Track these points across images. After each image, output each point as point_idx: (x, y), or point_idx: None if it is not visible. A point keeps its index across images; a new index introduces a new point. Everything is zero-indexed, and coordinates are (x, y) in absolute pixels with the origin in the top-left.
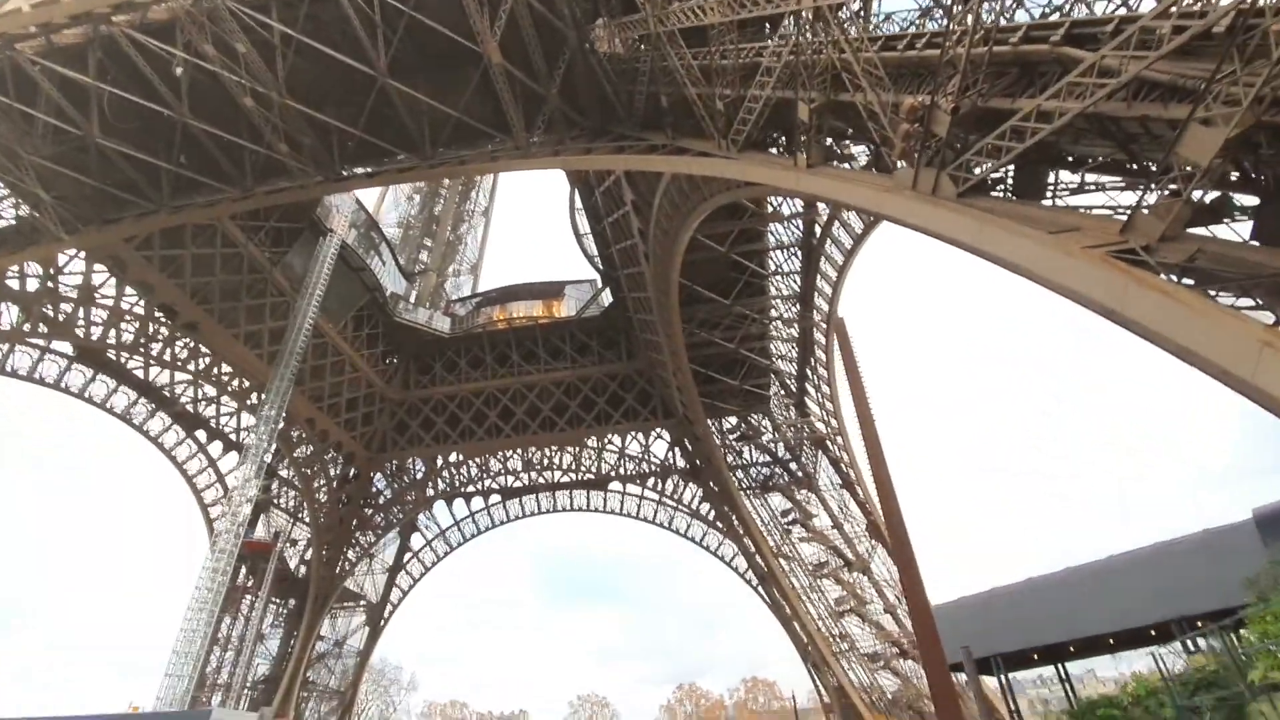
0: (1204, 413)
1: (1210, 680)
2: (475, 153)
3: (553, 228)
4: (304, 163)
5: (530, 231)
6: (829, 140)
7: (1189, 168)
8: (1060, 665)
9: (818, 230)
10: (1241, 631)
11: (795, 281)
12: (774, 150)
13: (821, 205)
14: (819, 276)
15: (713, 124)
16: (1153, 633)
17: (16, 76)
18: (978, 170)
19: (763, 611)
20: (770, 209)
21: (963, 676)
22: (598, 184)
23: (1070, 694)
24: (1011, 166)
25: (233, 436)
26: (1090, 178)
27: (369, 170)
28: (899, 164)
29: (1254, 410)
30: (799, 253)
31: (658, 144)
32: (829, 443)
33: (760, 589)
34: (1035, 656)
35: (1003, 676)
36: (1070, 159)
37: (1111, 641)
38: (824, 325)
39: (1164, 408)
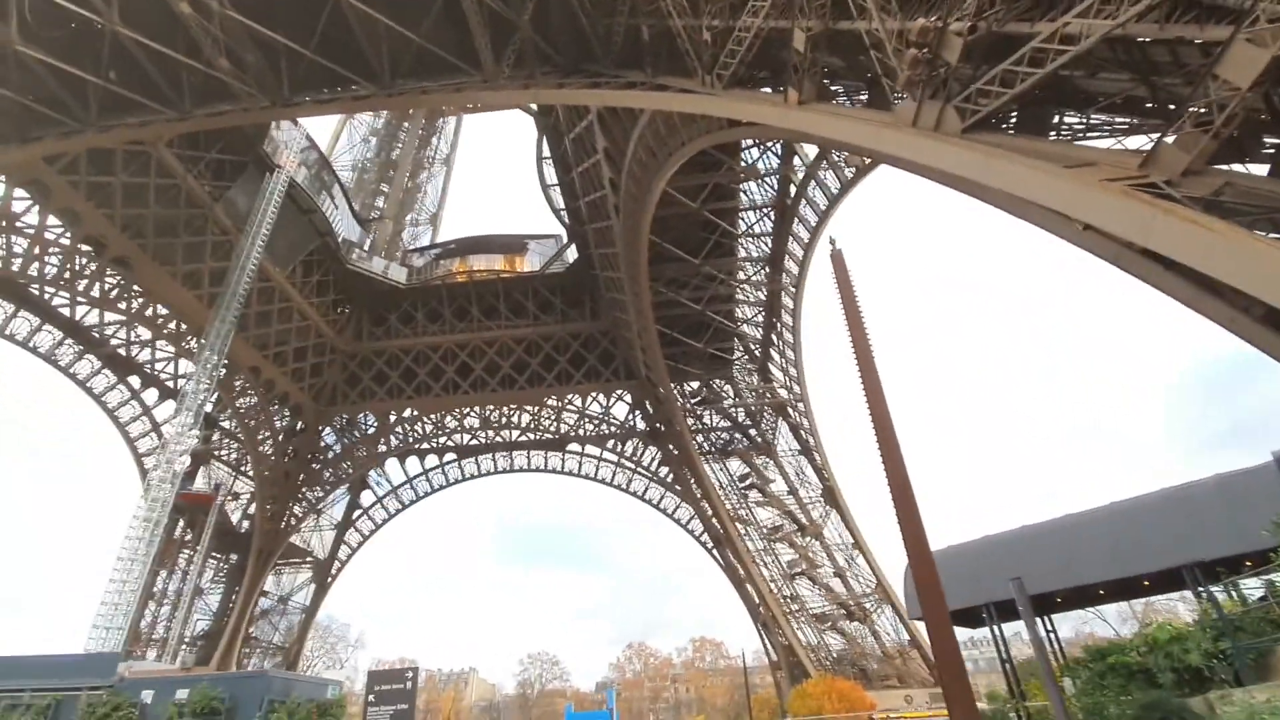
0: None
1: (1239, 625)
2: (438, 84)
3: (517, 180)
4: (248, 84)
5: (494, 184)
6: (823, 80)
7: (1226, 92)
8: (1046, 617)
9: (793, 190)
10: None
11: (766, 243)
12: (762, 90)
13: (798, 161)
14: (790, 238)
15: (697, 59)
16: (1147, 583)
17: None
18: (984, 106)
19: (714, 576)
20: (744, 166)
21: (970, 632)
22: (568, 130)
23: (1059, 647)
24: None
25: (169, 384)
26: (1097, 120)
27: (321, 97)
28: (901, 97)
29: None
30: (772, 213)
31: (636, 81)
32: (790, 409)
33: (715, 551)
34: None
35: (996, 627)
36: (1080, 98)
37: (1102, 592)
38: (792, 289)
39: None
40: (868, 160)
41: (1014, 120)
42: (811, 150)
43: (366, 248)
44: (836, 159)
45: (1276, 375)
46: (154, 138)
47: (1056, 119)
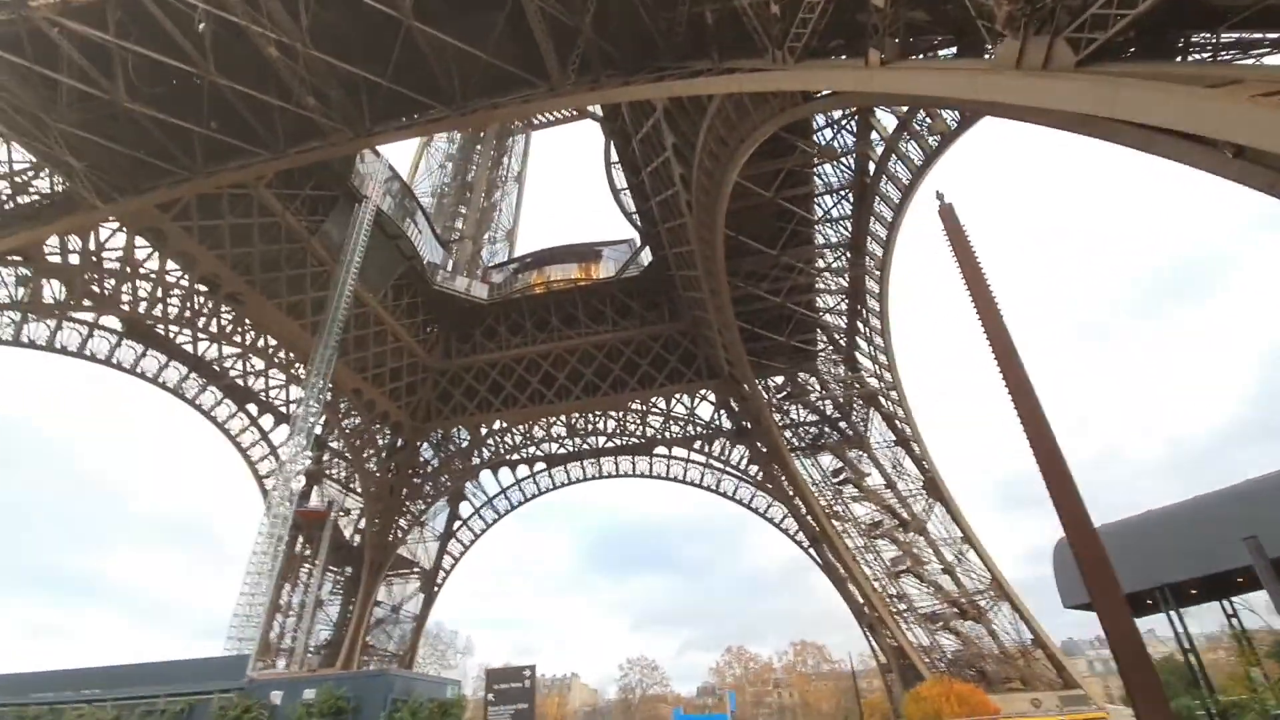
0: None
1: None
2: (508, 98)
3: (587, 191)
4: (333, 118)
5: (564, 196)
6: (905, 38)
7: None
8: (1226, 601)
9: (871, 168)
10: None
11: (845, 228)
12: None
13: (875, 136)
14: (872, 219)
15: (766, 35)
16: None
17: (34, 39)
18: (1099, 35)
19: (813, 576)
20: (818, 147)
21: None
22: (635, 131)
23: (1244, 634)
24: (1133, 35)
25: (283, 409)
26: (1229, 39)
27: (400, 123)
28: (1003, 35)
29: None
30: (849, 195)
31: (702, 69)
32: (881, 398)
33: (812, 550)
34: (1194, 592)
35: (1173, 613)
36: (1208, 14)
37: None
38: (876, 273)
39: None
40: (954, 124)
41: (1131, 51)
42: (890, 123)
43: (449, 268)
44: (918, 128)
45: None
46: (254, 178)
47: (1180, 43)
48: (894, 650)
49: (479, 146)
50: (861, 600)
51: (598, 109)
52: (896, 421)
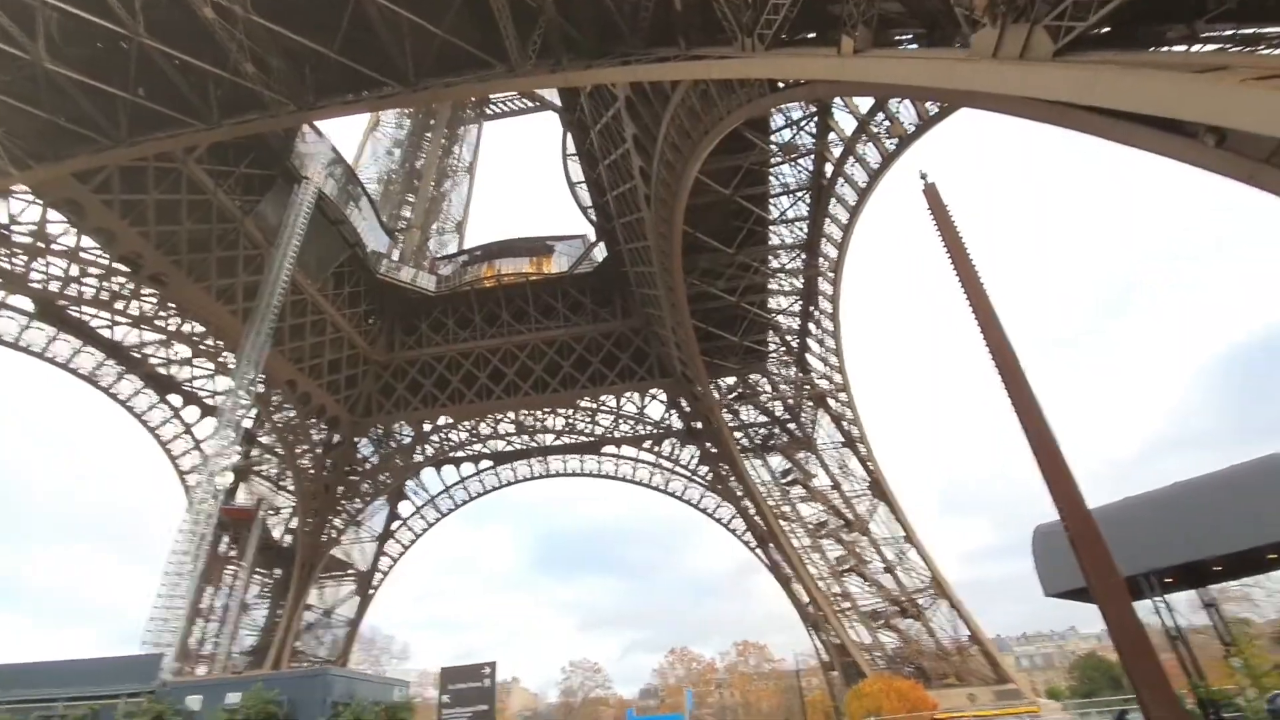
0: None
1: None
2: (463, 78)
3: (540, 185)
4: (274, 89)
5: (517, 190)
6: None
7: None
8: (1203, 589)
9: (828, 170)
10: None
11: (801, 229)
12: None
13: (833, 136)
14: (828, 219)
15: (735, 22)
16: None
17: None
18: (1079, 23)
19: (756, 579)
20: (778, 145)
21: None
22: (594, 123)
23: (1221, 623)
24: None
25: (209, 401)
26: (1210, 34)
27: (346, 99)
28: (981, 23)
29: None
30: (806, 196)
31: (669, 55)
32: (831, 399)
33: (759, 551)
34: (1170, 580)
35: (1158, 599)
36: (1188, 5)
37: (1272, 557)
38: (830, 274)
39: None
40: (912, 128)
41: (1110, 42)
42: (848, 125)
43: (395, 258)
44: (876, 130)
45: None
46: (185, 149)
47: (1160, 36)
48: (836, 648)
49: (429, 134)
50: (806, 599)
51: (555, 99)
52: (845, 423)
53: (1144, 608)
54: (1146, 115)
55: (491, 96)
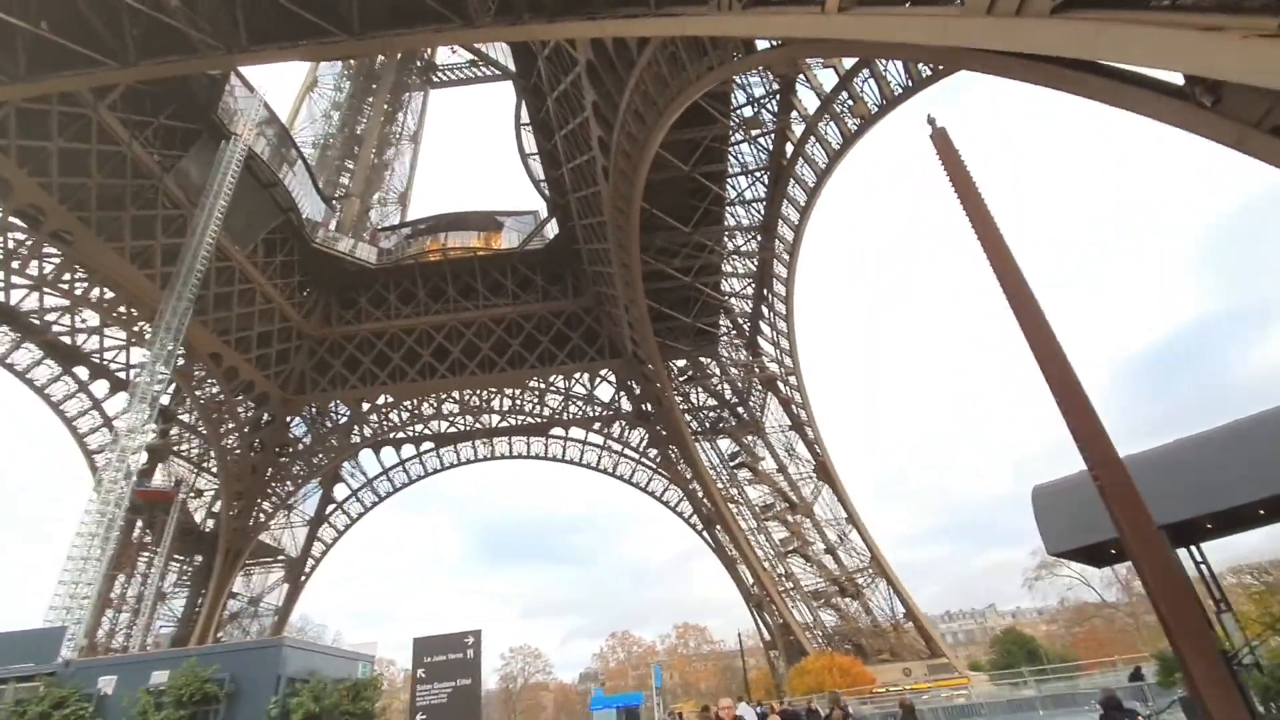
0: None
1: None
2: (415, 30)
3: (489, 160)
4: (201, 28)
5: (465, 163)
6: None
7: None
8: (1194, 547)
9: (789, 149)
10: None
11: (758, 210)
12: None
13: (795, 114)
14: (786, 201)
15: None
16: None
17: None
18: None
19: (695, 564)
20: (741, 120)
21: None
22: (551, 89)
23: (1215, 582)
24: None
25: (121, 375)
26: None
27: (283, 44)
28: None
29: None
30: (765, 176)
31: (639, 13)
32: (780, 382)
33: (705, 533)
34: (1209, 526)
35: (1195, 549)
36: None
37: (1262, 512)
38: (785, 256)
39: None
40: (875, 108)
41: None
42: (812, 104)
43: (332, 227)
44: (840, 110)
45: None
46: (97, 87)
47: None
48: (780, 627)
49: (371, 99)
50: (751, 580)
51: (510, 64)
52: (794, 406)
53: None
54: (1143, 76)
55: (440, 63)
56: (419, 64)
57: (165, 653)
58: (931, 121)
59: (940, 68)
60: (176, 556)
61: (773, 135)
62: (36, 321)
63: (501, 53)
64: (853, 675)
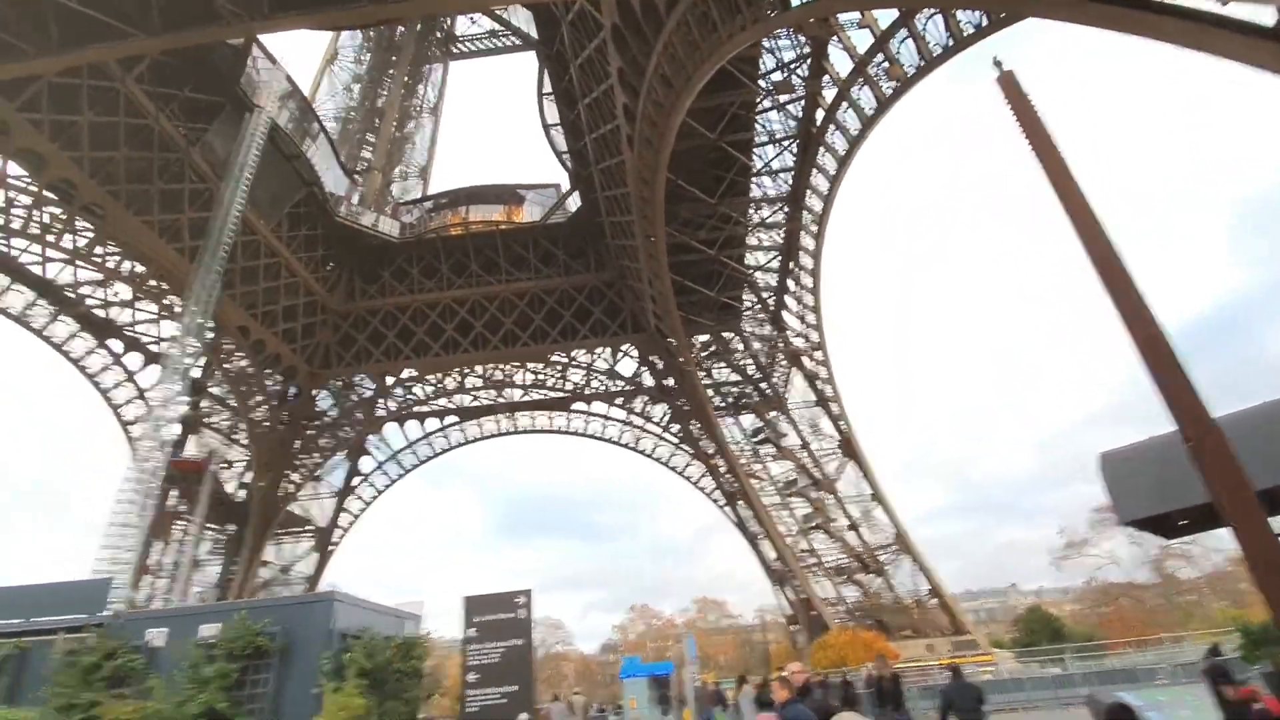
0: None
1: None
2: None
3: (509, 133)
4: None
5: (485, 136)
6: None
7: None
8: None
9: (819, 116)
10: None
11: (785, 181)
12: None
13: (827, 79)
14: (815, 170)
15: None
16: None
17: None
18: None
19: (715, 540)
20: (772, 84)
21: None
22: (574, 56)
23: None
24: None
25: (153, 347)
26: None
27: (303, 10)
28: None
29: None
30: (794, 145)
31: None
32: (805, 358)
33: (727, 509)
34: None
35: None
36: None
37: None
38: (814, 228)
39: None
40: (912, 70)
41: None
42: (845, 67)
43: (355, 201)
44: (875, 73)
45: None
46: (124, 57)
47: None
48: (801, 602)
49: (391, 71)
50: (774, 556)
51: (533, 30)
52: (818, 382)
53: None
54: (1228, 17)
55: (459, 34)
56: (439, 35)
57: (214, 606)
58: (998, 64)
59: (1002, 16)
60: (210, 525)
61: (802, 102)
62: (72, 295)
63: (523, 19)
64: (875, 650)
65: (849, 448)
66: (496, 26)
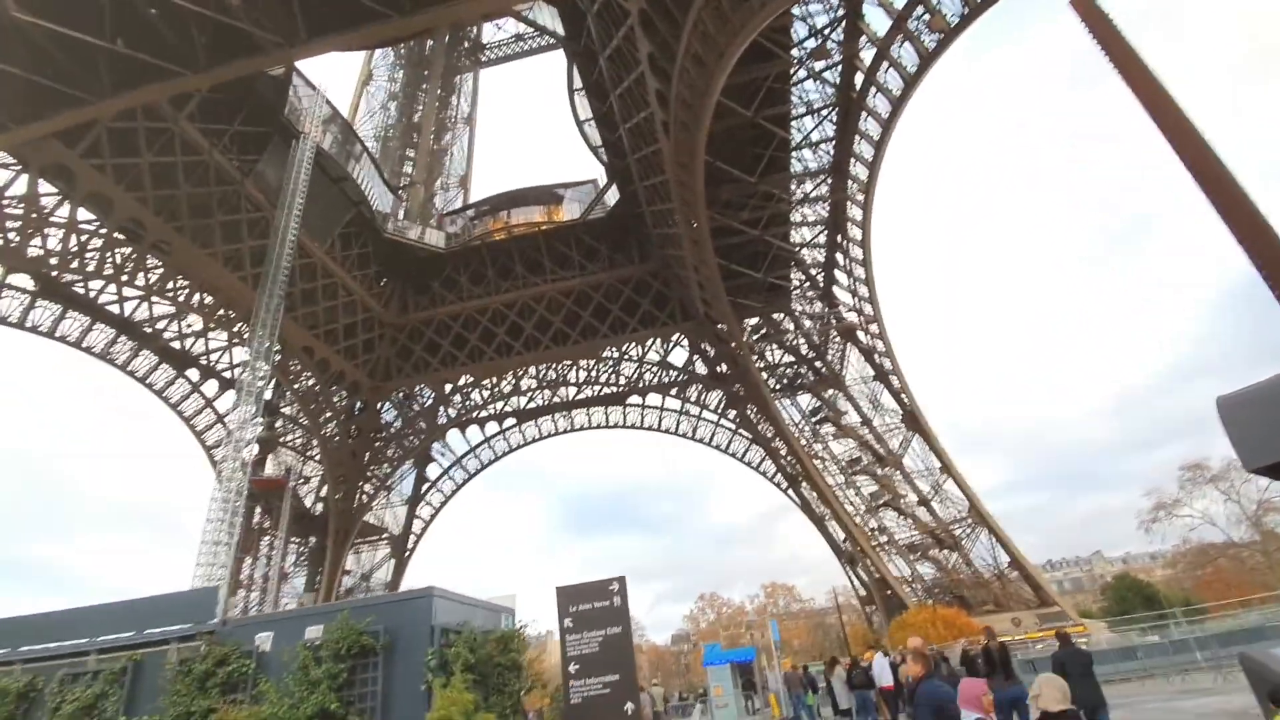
0: None
1: None
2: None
3: (542, 134)
4: (263, 24)
5: (519, 140)
6: None
7: None
8: None
9: (858, 80)
10: None
11: (826, 151)
12: None
13: (864, 40)
14: (857, 137)
15: None
16: None
17: None
18: None
19: (778, 525)
20: (810, 49)
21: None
22: (602, 48)
23: None
24: None
25: (227, 374)
26: None
27: (339, 31)
28: None
29: None
30: (833, 114)
31: None
32: (860, 332)
33: (790, 491)
34: None
35: None
36: None
37: None
38: (860, 196)
39: None
40: (956, 18)
41: None
42: (881, 25)
43: (400, 216)
44: (914, 28)
45: None
46: (174, 95)
47: None
48: (876, 582)
49: (424, 85)
50: (843, 536)
51: (559, 27)
52: (876, 355)
53: None
54: None
55: (486, 41)
56: (466, 45)
57: (317, 608)
58: None
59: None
60: (293, 539)
61: (839, 68)
62: (149, 330)
63: (549, 16)
64: (958, 627)
65: (913, 421)
66: (521, 30)
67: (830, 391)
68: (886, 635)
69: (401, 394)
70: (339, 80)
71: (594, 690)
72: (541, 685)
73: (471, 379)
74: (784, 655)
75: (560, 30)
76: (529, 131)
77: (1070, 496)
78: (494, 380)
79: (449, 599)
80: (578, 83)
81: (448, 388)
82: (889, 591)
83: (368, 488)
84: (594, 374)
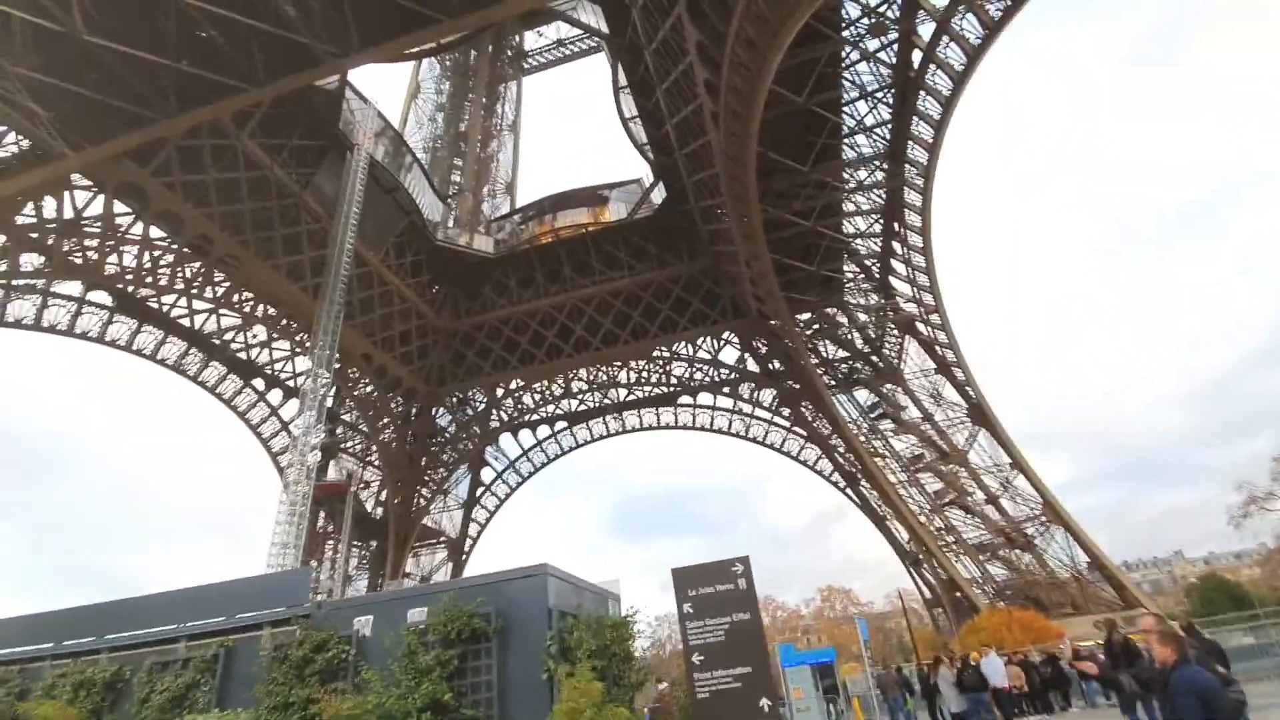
0: None
1: None
2: None
3: (586, 137)
4: (317, 34)
5: (562, 144)
6: None
7: None
8: None
9: (916, 57)
10: None
11: (881, 136)
12: None
13: (921, 14)
14: (915, 118)
15: None
16: None
17: None
18: None
19: (833, 527)
20: (865, 25)
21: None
22: (648, 41)
23: None
24: None
25: (290, 383)
26: None
27: (390, 37)
28: None
29: None
30: (889, 95)
31: None
32: (920, 323)
33: (849, 490)
34: None
35: None
36: None
37: None
38: (919, 181)
39: None
40: None
41: None
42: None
43: (450, 223)
44: None
45: None
46: (237, 111)
47: None
48: (943, 584)
49: (470, 95)
50: (906, 536)
51: (602, 24)
52: (937, 347)
53: None
54: None
55: (528, 49)
56: (509, 54)
57: (419, 588)
58: None
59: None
60: (355, 542)
61: (894, 47)
62: (217, 342)
63: (592, 15)
64: (1035, 630)
65: (979, 414)
66: (563, 36)
67: (888, 386)
68: (956, 639)
69: (455, 399)
70: (389, 95)
71: (724, 684)
72: (655, 679)
73: (522, 383)
74: (842, 660)
75: (604, 28)
76: (572, 135)
77: (1137, 494)
78: (545, 384)
79: (561, 578)
80: (622, 81)
81: (499, 392)
82: (958, 594)
83: (425, 492)
84: (644, 375)
